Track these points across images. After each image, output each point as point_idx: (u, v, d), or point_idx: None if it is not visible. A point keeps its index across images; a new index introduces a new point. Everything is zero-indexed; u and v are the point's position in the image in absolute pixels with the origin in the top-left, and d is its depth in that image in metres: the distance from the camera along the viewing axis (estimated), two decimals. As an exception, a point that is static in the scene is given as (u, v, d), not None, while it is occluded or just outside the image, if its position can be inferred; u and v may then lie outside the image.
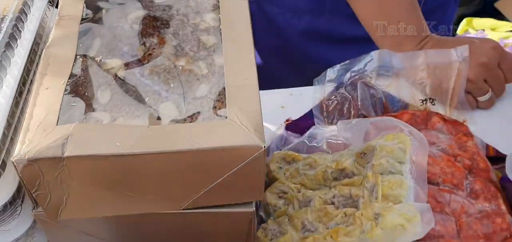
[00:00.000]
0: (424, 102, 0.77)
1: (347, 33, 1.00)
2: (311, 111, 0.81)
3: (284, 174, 0.69)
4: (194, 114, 0.44)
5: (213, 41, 0.51)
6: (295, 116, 0.82)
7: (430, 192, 0.62)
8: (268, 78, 1.07)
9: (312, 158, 0.67)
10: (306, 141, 0.73)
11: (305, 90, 0.86)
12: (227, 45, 0.49)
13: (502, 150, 0.72)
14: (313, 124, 0.79)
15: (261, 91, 0.88)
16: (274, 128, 0.80)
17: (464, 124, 0.74)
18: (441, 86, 0.77)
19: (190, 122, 0.44)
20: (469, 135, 0.70)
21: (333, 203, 0.61)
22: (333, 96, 0.81)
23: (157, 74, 0.48)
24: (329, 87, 0.82)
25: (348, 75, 0.81)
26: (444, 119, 0.73)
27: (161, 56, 0.49)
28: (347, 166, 0.62)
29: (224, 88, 0.46)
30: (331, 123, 0.79)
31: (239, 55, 0.48)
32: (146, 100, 0.46)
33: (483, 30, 1.92)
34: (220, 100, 0.45)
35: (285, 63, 1.09)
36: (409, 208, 0.53)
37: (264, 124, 0.81)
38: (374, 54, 0.78)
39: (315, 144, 0.72)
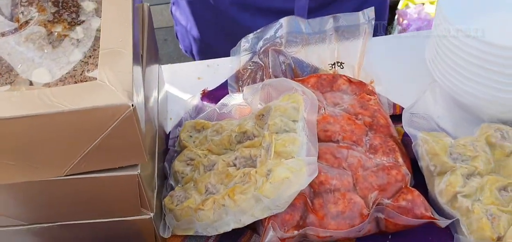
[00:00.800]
0: (333, 66, 0.79)
1: (275, 5, 1.00)
2: (227, 81, 0.82)
3: (194, 142, 0.69)
4: (66, 78, 0.44)
5: (93, 7, 0.50)
6: (212, 87, 0.82)
7: (330, 149, 0.64)
8: (206, 50, 1.07)
9: (219, 124, 0.68)
10: (217, 109, 0.73)
11: (222, 62, 0.87)
12: (106, 9, 0.49)
13: (407, 107, 0.75)
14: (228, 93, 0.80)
15: (179, 64, 0.90)
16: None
17: (370, 84, 0.76)
18: (349, 49, 0.79)
19: (62, 86, 0.43)
20: (372, 93, 0.72)
21: (235, 165, 0.62)
22: (248, 65, 0.82)
23: (32, 41, 0.47)
24: (245, 56, 0.83)
25: (260, 43, 0.82)
26: (349, 81, 0.75)
27: (37, 24, 0.48)
28: (248, 128, 0.63)
29: (98, 51, 0.45)
30: (245, 91, 0.79)
31: (117, 19, 0.48)
32: (19, 67, 0.45)
33: (423, 4, 1.98)
34: (94, 63, 0.45)
35: (220, 34, 1.09)
36: (297, 162, 0.54)
37: (179, 94, 0.83)
38: (283, 21, 0.79)
39: (224, 111, 0.73)
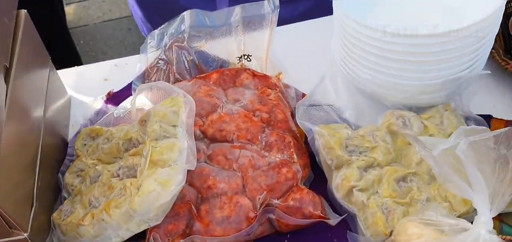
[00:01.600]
0: (240, 59, 0.76)
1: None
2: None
3: (87, 150, 0.66)
4: None
5: None
6: (118, 88, 0.79)
7: (222, 150, 0.62)
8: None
9: (110, 131, 0.65)
10: (114, 113, 0.70)
11: (131, 60, 0.83)
12: None
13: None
14: (135, 94, 0.76)
15: (86, 66, 0.86)
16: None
17: (276, 77, 0.74)
18: (256, 40, 0.76)
19: None
20: (274, 87, 0.70)
21: (118, 175, 0.59)
22: (156, 63, 0.78)
23: None
24: (152, 54, 0.79)
25: (166, 39, 0.78)
26: (253, 75, 0.72)
27: None
28: (133, 135, 0.60)
29: None
30: (153, 91, 0.76)
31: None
32: None
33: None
34: None
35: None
36: (169, 172, 0.52)
37: (84, 99, 0.79)
38: (185, 14, 0.76)
39: (121, 115, 0.70)
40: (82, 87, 0.79)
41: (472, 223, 0.47)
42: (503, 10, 0.61)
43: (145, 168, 0.53)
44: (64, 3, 2.77)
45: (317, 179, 0.64)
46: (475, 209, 0.55)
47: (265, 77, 0.71)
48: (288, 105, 0.69)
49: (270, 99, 0.67)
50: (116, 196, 0.55)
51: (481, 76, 0.65)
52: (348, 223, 0.60)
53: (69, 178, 0.63)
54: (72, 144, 0.70)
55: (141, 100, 0.66)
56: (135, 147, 0.60)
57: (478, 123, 0.65)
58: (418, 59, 0.60)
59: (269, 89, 0.69)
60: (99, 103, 0.75)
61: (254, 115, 0.65)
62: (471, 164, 0.42)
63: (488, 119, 0.68)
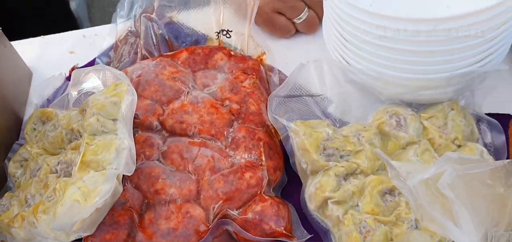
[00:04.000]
0: (218, 34, 0.67)
1: None
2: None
3: (36, 136, 0.59)
4: None
5: None
6: (84, 62, 0.72)
7: (179, 146, 0.54)
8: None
9: (57, 117, 0.58)
10: (72, 93, 0.63)
11: (100, 30, 0.75)
12: None
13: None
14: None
15: (51, 35, 0.79)
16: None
17: (258, 58, 0.64)
18: (237, 13, 0.66)
19: None
20: (252, 71, 0.60)
21: (56, 171, 0.52)
22: (125, 34, 0.70)
23: None
24: (122, 25, 0.71)
25: (136, 7, 0.70)
26: (230, 55, 0.63)
27: None
28: (74, 126, 0.53)
29: None
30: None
31: None
32: None
33: None
34: None
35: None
36: (96, 178, 0.44)
37: (47, 73, 0.72)
38: (156, -21, 0.67)
39: (81, 97, 0.62)
40: (46, 61, 0.72)
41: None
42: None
43: (75, 170, 0.46)
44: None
45: (293, 182, 0.55)
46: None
47: (243, 58, 0.62)
48: (266, 94, 0.60)
49: (244, 86, 0.58)
50: (46, 198, 0.48)
51: (503, 73, 0.54)
52: (322, 240, 0.51)
53: (12, 167, 0.57)
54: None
55: (93, 83, 0.58)
56: (77, 140, 0.52)
57: (492, 126, 0.54)
58: (421, 48, 0.49)
59: (245, 74, 0.59)
60: (59, 80, 0.68)
61: (222, 105, 0.57)
62: (458, 200, 0.33)
63: (506, 120, 0.57)
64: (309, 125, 0.54)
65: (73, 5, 1.64)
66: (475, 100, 0.55)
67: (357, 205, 0.50)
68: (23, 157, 0.57)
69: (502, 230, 0.33)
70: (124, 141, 0.47)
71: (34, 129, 0.60)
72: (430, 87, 0.52)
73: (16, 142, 0.62)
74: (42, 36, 0.75)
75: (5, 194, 0.56)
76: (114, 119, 0.48)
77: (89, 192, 0.43)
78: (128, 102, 0.48)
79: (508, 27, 0.50)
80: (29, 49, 0.71)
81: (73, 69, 0.70)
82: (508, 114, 0.58)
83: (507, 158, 0.55)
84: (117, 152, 0.46)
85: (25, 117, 0.66)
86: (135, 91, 0.50)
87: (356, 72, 0.55)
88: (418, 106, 0.56)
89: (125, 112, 0.48)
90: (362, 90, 0.57)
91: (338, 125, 0.56)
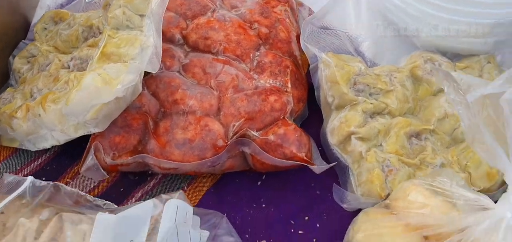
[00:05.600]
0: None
1: None
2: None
3: (46, 36, 0.56)
4: None
5: None
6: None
7: (202, 61, 0.51)
8: None
9: (73, 16, 0.55)
10: (85, -2, 0.60)
11: None
12: None
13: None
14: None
15: None
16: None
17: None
18: None
19: None
20: (284, 0, 0.58)
21: (69, 67, 0.49)
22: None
23: None
24: None
25: None
26: (260, -20, 0.60)
27: None
28: (94, 22, 0.50)
29: None
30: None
31: None
32: None
33: None
34: None
35: None
36: (119, 67, 0.42)
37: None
38: None
39: (94, 0, 0.59)
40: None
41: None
42: None
43: (94, 60, 0.43)
44: None
45: (313, 118, 0.53)
46: (499, 188, 0.44)
47: None
48: (296, 25, 0.57)
49: (275, 12, 0.56)
50: (57, 89, 0.45)
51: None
52: (338, 176, 0.49)
53: (18, 63, 0.54)
54: (34, 27, 0.60)
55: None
56: (95, 37, 0.50)
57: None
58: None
59: (276, 1, 0.57)
60: (75, -14, 0.64)
61: (251, 27, 0.54)
62: (515, 123, 0.31)
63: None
64: (341, 58, 0.52)
65: None
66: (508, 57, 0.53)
67: (381, 145, 0.48)
68: (31, 53, 0.55)
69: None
70: (150, 38, 0.44)
71: (45, 28, 0.57)
72: (472, 34, 0.50)
73: (23, 40, 0.59)
74: None
75: (7, 89, 0.53)
76: (142, 15, 0.46)
77: (110, 79, 0.40)
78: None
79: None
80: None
81: (89, -22, 0.67)
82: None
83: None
84: (142, 48, 0.44)
85: (34, 20, 0.63)
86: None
87: (397, 12, 0.53)
88: (453, 56, 0.54)
89: (155, 8, 0.45)
90: (398, 32, 0.55)
91: (369, 65, 0.54)
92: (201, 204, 0.50)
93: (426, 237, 0.37)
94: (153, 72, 0.45)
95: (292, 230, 0.48)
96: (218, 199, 0.50)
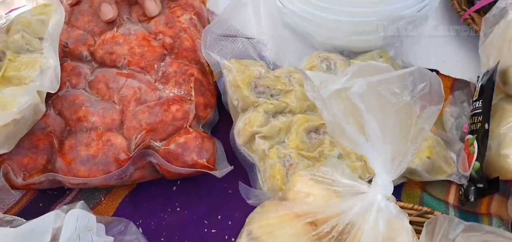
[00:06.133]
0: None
1: None
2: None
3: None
4: None
5: None
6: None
7: (106, 76, 0.53)
8: None
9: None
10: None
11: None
12: None
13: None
14: None
15: None
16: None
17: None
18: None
19: None
20: (190, 8, 0.60)
21: (-29, 94, 0.50)
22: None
23: None
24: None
25: None
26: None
27: None
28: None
29: None
30: None
31: None
32: None
33: None
34: None
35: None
36: (15, 90, 0.44)
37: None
38: None
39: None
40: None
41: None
42: None
43: (-7, 84, 0.44)
44: None
45: (224, 122, 0.56)
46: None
47: None
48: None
49: (180, 21, 0.58)
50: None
51: (433, 22, 0.57)
52: (248, 174, 0.52)
53: None
54: None
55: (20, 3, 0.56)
56: (1, 61, 0.50)
57: (417, 76, 0.57)
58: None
59: (182, 9, 0.59)
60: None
61: (155, 38, 0.56)
62: (369, 111, 0.34)
63: (432, 75, 0.60)
64: (243, 63, 0.55)
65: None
66: (403, 50, 0.57)
67: (284, 142, 0.51)
68: None
69: (408, 144, 0.36)
70: (49, 59, 0.46)
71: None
72: (359, 32, 0.55)
73: None
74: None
75: None
76: (41, 38, 0.47)
77: (6, 102, 0.42)
78: (55, 20, 0.47)
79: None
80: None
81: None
82: (435, 70, 0.61)
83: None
84: (42, 71, 0.45)
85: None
86: (63, 11, 0.49)
87: (291, 15, 0.56)
88: (349, 54, 0.58)
89: (51, 31, 0.47)
90: (296, 35, 0.58)
91: (272, 68, 0.57)
92: (117, 213, 0.51)
93: (311, 223, 0.40)
94: (53, 91, 0.46)
95: (206, 230, 0.50)
96: (134, 207, 0.52)
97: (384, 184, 0.37)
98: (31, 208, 0.51)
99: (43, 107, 0.46)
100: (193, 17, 0.60)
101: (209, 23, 0.63)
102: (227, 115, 0.56)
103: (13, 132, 0.44)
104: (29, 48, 0.47)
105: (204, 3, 0.64)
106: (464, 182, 0.50)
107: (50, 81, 0.46)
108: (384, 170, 0.37)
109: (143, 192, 0.53)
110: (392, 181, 0.38)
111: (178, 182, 0.53)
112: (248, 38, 0.58)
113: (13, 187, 0.46)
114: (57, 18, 0.48)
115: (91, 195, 0.52)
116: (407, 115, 0.34)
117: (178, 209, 0.52)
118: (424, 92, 0.32)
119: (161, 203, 0.52)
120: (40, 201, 0.52)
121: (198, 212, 0.51)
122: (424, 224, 0.37)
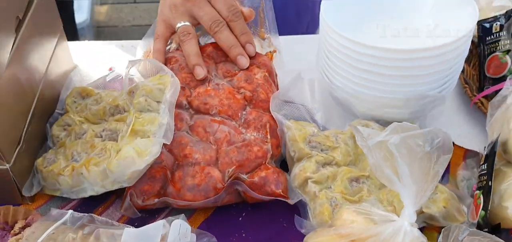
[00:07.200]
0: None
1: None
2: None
3: (76, 108, 0.75)
4: None
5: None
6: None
7: (203, 122, 0.71)
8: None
9: (99, 94, 0.74)
10: (107, 78, 0.79)
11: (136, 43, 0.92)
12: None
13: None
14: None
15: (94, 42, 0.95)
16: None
17: (272, 54, 0.83)
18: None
19: None
20: (263, 66, 0.79)
21: (101, 136, 0.68)
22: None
23: None
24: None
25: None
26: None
27: None
28: (120, 102, 0.70)
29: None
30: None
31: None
32: None
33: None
34: None
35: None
36: (146, 143, 0.61)
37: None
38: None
39: (112, 81, 0.79)
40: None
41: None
42: (471, 37, 0.69)
43: (126, 135, 0.62)
44: (99, 2, 2.95)
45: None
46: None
47: (256, 55, 0.81)
48: (274, 86, 0.78)
49: (256, 78, 0.76)
50: (96, 155, 0.64)
51: (450, 103, 0.72)
52: (300, 211, 0.67)
53: (56, 130, 0.72)
54: (63, 98, 0.78)
55: (132, 71, 0.75)
56: (120, 114, 0.69)
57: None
58: (382, 72, 0.68)
59: (258, 68, 0.78)
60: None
61: (238, 92, 0.74)
62: (401, 158, 0.50)
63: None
64: (299, 123, 0.72)
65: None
66: (426, 123, 0.74)
67: (330, 187, 0.67)
68: (66, 122, 0.73)
69: (428, 183, 0.51)
70: (165, 118, 0.65)
71: (74, 102, 0.76)
72: (390, 106, 0.71)
73: (56, 110, 0.77)
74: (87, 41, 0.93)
75: (49, 151, 0.71)
76: (158, 102, 0.66)
77: (141, 151, 0.60)
78: (172, 90, 0.66)
79: (457, 63, 0.69)
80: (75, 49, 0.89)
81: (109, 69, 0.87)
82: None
83: (447, 172, 0.73)
84: (159, 126, 0.64)
85: (62, 94, 0.81)
86: (178, 83, 0.68)
87: (338, 90, 0.74)
88: (384, 123, 0.74)
89: (168, 98, 0.66)
90: (341, 105, 0.76)
91: (321, 129, 0.74)
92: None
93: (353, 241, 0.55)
94: (168, 142, 0.64)
95: (267, 253, 0.65)
96: (208, 229, 0.67)
97: (410, 213, 0.53)
98: (136, 220, 0.66)
99: (158, 153, 0.63)
100: (266, 74, 0.78)
101: (276, 76, 0.81)
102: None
103: (141, 172, 0.62)
104: (149, 109, 0.66)
105: (271, 58, 0.83)
106: (473, 228, 0.65)
107: (166, 134, 0.64)
108: (411, 203, 0.52)
109: (216, 219, 0.68)
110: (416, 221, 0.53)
111: (243, 214, 0.69)
112: (304, 105, 0.75)
113: (136, 207, 0.63)
114: (173, 88, 0.67)
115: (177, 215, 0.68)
116: (427, 161, 0.50)
117: (243, 234, 0.67)
118: (438, 145, 0.48)
119: (231, 228, 0.68)
120: (143, 212, 0.67)
121: (259, 239, 0.66)
122: (442, 230, 0.51)
